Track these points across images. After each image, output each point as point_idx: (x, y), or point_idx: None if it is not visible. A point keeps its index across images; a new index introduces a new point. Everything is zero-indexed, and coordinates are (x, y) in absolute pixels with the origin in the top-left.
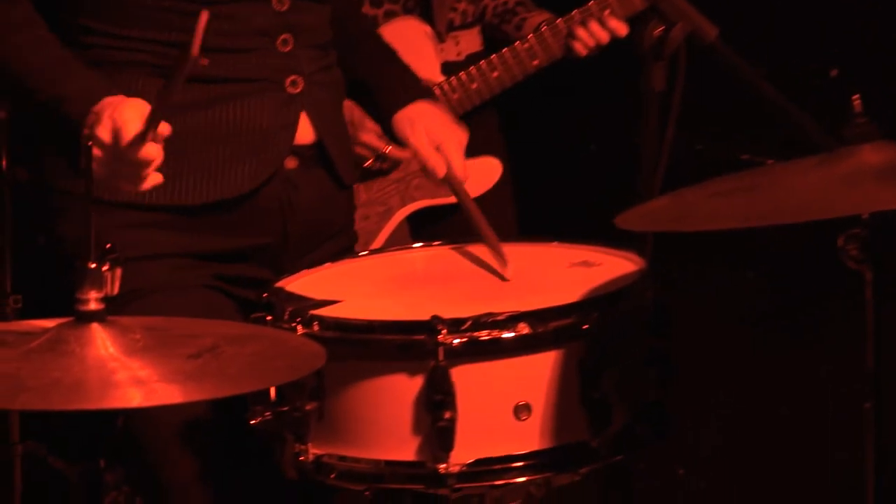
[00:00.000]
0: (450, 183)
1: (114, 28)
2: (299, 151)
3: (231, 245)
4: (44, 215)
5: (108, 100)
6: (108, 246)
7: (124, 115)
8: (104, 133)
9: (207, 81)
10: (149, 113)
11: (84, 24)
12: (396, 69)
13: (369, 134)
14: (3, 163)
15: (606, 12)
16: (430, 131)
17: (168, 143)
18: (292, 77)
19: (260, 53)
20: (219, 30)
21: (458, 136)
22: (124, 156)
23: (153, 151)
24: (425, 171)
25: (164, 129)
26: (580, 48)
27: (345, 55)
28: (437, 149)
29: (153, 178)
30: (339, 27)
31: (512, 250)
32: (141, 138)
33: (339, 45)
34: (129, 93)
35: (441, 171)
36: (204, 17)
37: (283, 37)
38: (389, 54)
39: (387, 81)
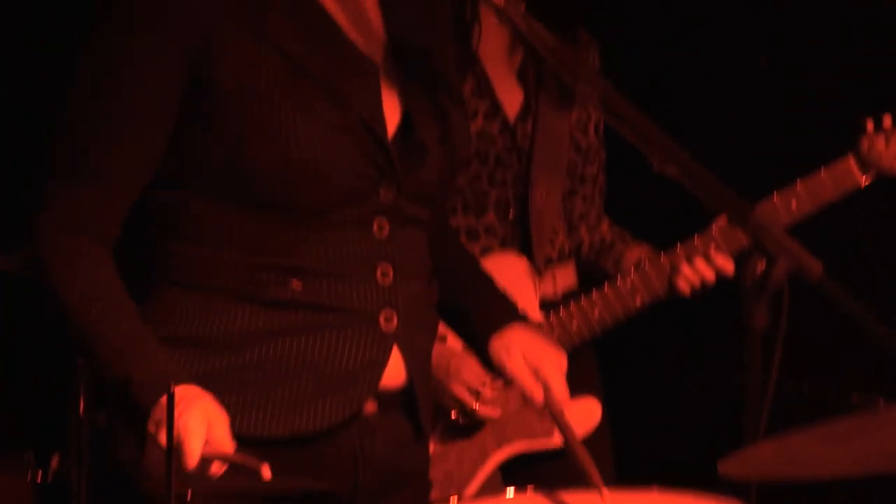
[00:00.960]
0: (550, 410)
1: (206, 251)
2: (382, 395)
3: (296, 487)
4: (120, 458)
5: (177, 397)
6: (189, 497)
7: (189, 426)
8: (166, 440)
9: (299, 308)
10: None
11: (175, 247)
12: (492, 294)
13: (461, 387)
14: (81, 407)
15: (712, 247)
16: (528, 356)
17: (245, 371)
18: (388, 312)
19: (357, 283)
20: (316, 255)
21: (557, 361)
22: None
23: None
24: (525, 398)
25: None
26: (685, 286)
27: (441, 282)
28: (536, 374)
29: (216, 469)
30: (435, 254)
31: (609, 497)
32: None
33: (436, 272)
34: (216, 319)
35: (539, 398)
36: (266, 471)
37: (382, 267)
38: (485, 279)
39: (482, 307)
